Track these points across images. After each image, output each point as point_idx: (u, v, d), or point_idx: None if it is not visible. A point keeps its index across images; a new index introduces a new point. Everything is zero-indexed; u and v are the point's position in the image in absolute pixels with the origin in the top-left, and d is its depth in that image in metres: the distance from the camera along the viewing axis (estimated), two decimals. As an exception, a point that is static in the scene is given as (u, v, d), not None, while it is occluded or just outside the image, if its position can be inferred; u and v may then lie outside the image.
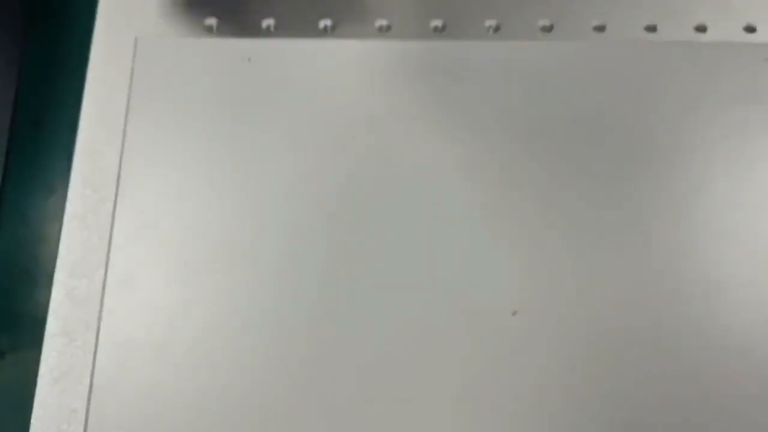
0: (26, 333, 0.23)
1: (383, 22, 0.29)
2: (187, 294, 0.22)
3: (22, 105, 0.27)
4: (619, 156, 0.26)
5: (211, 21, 0.28)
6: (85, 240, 0.23)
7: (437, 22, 0.29)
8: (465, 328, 0.22)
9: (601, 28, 0.29)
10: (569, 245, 0.24)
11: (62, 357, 0.21)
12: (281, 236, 0.23)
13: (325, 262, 0.23)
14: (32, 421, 0.20)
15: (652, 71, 0.28)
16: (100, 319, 0.21)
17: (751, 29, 0.29)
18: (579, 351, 0.22)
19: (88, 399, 0.20)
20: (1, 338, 0.23)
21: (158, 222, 0.22)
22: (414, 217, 0.24)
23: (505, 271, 0.23)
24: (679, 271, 0.23)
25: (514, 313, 0.22)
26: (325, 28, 0.28)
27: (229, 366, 0.21)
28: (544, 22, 0.29)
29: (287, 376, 0.21)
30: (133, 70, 0.25)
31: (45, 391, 0.20)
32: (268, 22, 0.28)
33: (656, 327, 0.23)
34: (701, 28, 0.29)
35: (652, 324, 0.23)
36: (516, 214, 0.24)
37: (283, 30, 0.28)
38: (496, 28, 0.29)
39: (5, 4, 0.29)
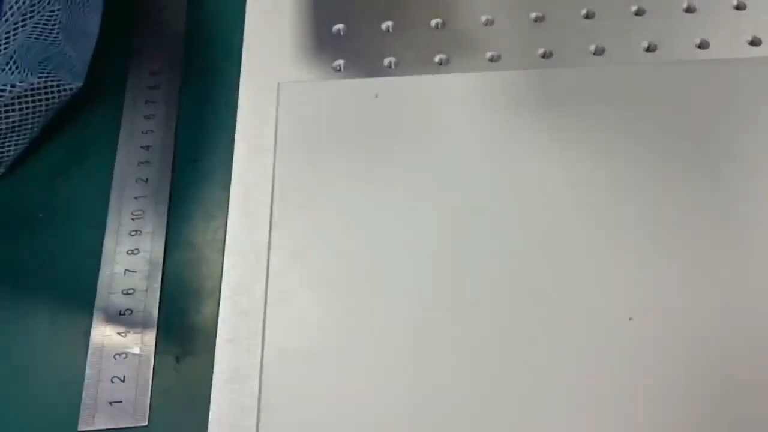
0: (196, 342, 0.27)
1: (493, 53, 0.31)
2: (333, 310, 0.25)
3: (182, 146, 0.31)
4: (723, 168, 0.27)
5: (339, 62, 0.31)
6: (243, 260, 0.26)
7: (543, 50, 0.31)
8: (586, 334, 0.24)
9: (704, 45, 0.31)
10: (680, 255, 0.25)
11: (232, 360, 0.24)
12: (414, 257, 0.26)
13: (454, 277, 0.25)
14: (210, 415, 0.24)
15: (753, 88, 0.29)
16: (264, 329, 0.24)
17: None
18: (693, 354, 0.24)
19: (258, 397, 0.23)
20: (176, 347, 0.27)
21: (308, 246, 0.26)
22: (535, 236, 0.26)
23: (621, 281, 0.25)
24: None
25: (630, 319, 0.24)
26: (441, 61, 0.31)
27: (370, 368, 0.24)
28: (644, 43, 0.31)
29: (425, 378, 0.23)
30: (278, 111, 0.28)
31: (219, 390, 0.24)
32: (389, 60, 0.31)
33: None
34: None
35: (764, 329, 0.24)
36: (629, 229, 0.26)
37: (403, 66, 0.31)
38: (600, 52, 0.31)
39: (168, 62, 0.33)
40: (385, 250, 0.26)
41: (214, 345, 0.25)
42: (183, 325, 0.27)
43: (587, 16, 0.32)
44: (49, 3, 0.29)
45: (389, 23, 0.32)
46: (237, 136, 0.29)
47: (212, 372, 0.25)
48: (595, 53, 0.31)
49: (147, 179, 0.31)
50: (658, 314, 0.24)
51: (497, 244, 0.26)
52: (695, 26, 0.31)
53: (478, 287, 0.25)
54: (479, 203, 0.27)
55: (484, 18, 0.32)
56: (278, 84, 0.29)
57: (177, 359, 0.27)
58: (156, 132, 0.32)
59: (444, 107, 0.29)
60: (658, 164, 0.27)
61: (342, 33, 0.32)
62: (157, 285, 0.28)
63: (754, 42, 0.31)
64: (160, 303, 0.28)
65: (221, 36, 0.34)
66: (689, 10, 0.32)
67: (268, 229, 0.26)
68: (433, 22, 0.32)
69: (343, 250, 0.26)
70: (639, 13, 0.32)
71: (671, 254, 0.25)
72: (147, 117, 0.32)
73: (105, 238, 0.29)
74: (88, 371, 0.26)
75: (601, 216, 0.26)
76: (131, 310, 0.28)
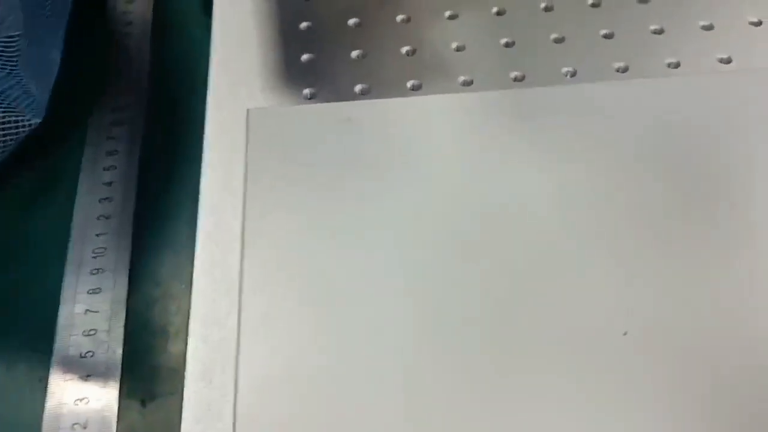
0: (164, 383, 0.25)
1: (465, 78, 0.31)
2: (310, 339, 0.23)
3: (146, 181, 0.30)
4: (706, 181, 0.27)
5: (309, 90, 0.30)
6: (214, 291, 0.25)
7: (516, 73, 0.31)
8: (582, 348, 0.23)
9: (675, 65, 0.31)
10: (675, 269, 0.24)
11: (203, 398, 0.23)
12: (392, 282, 0.24)
13: (437, 300, 0.24)
14: (180, 458, 0.22)
15: (725, 102, 0.29)
16: (237, 362, 0.23)
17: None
18: (688, 369, 0.23)
19: (232, 432, 0.21)
20: (142, 389, 0.25)
21: (282, 272, 0.24)
22: (520, 255, 0.25)
23: (615, 295, 0.24)
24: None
25: (624, 334, 0.23)
26: (413, 87, 0.30)
27: (351, 399, 0.22)
28: (618, 64, 0.31)
29: (409, 406, 0.22)
30: (247, 138, 0.27)
31: (189, 430, 0.22)
32: (360, 87, 0.30)
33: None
34: (774, 55, 0.30)
35: (762, 345, 0.23)
36: (617, 245, 0.25)
37: (375, 93, 0.30)
38: (572, 74, 0.31)
39: (132, 98, 0.32)
40: (361, 276, 0.25)
41: (183, 385, 0.24)
42: (149, 365, 0.26)
43: (557, 41, 0.32)
44: (7, 28, 0.28)
45: (359, 51, 0.32)
46: (205, 166, 0.28)
47: (181, 414, 0.23)
48: (567, 75, 0.31)
49: (109, 216, 0.29)
50: (652, 328, 0.23)
51: (479, 264, 0.25)
52: (665, 46, 0.31)
53: (462, 309, 0.24)
54: (458, 225, 0.26)
55: (454, 44, 0.32)
56: (247, 110, 0.28)
57: (143, 403, 0.25)
58: (119, 168, 0.31)
59: (419, 129, 0.28)
60: (638, 179, 0.27)
61: (311, 62, 0.31)
62: (121, 324, 0.26)
63: (723, 60, 0.31)
64: (124, 343, 0.26)
65: (186, 70, 0.34)
66: (658, 31, 0.32)
67: (239, 258, 0.25)
68: (404, 50, 0.32)
69: (319, 277, 0.24)
70: (608, 36, 0.32)
71: (662, 268, 0.24)
72: (109, 153, 0.31)
73: (65, 277, 0.28)
74: (46, 419, 0.24)
75: (587, 233, 0.25)
76: (93, 352, 0.26)
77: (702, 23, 0.32)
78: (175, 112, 0.32)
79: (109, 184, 0.30)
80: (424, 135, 0.28)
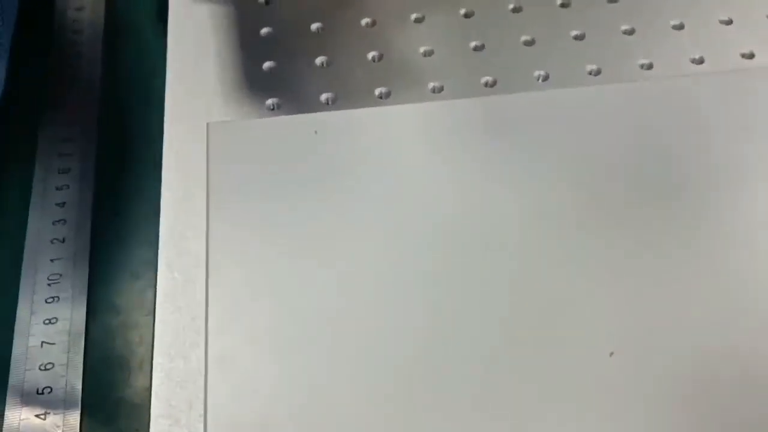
0: (127, 420, 0.24)
1: (435, 84, 0.30)
2: (283, 371, 0.22)
3: (102, 201, 0.28)
4: (686, 189, 0.26)
5: (273, 101, 0.29)
6: (177, 321, 0.23)
7: (487, 78, 0.30)
8: (565, 370, 0.22)
9: (648, 66, 0.30)
10: (661, 284, 0.24)
11: (170, 438, 0.21)
12: (366, 304, 0.23)
13: (413, 321, 0.23)
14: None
15: (701, 103, 0.28)
16: (205, 399, 0.21)
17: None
18: (677, 391, 0.22)
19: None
20: (104, 428, 0.24)
21: (250, 299, 0.23)
22: (498, 269, 0.24)
23: (599, 314, 0.23)
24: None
25: (611, 354, 0.22)
26: (381, 95, 0.29)
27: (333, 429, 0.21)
28: (591, 66, 0.30)
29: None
30: (208, 155, 0.26)
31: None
32: (326, 96, 0.29)
33: (760, 366, 0.22)
34: (748, 55, 0.30)
35: (753, 363, 0.23)
36: (601, 257, 0.24)
37: (341, 101, 0.29)
38: (545, 78, 0.30)
39: (83, 112, 0.31)
40: (336, 299, 0.24)
41: (148, 423, 0.22)
42: (111, 401, 0.24)
43: (527, 43, 0.31)
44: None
45: (323, 58, 0.30)
46: (164, 186, 0.26)
47: (147, 453, 0.22)
48: (539, 79, 0.30)
49: (64, 239, 0.28)
50: (639, 348, 0.22)
51: (455, 281, 0.24)
52: (637, 47, 0.31)
53: (440, 331, 0.23)
54: (432, 241, 0.25)
55: (422, 49, 0.31)
56: (207, 124, 0.27)
57: (105, 441, 0.23)
58: (72, 187, 0.29)
59: (388, 141, 0.27)
60: (617, 188, 0.26)
61: (273, 70, 0.30)
62: (80, 357, 0.25)
63: (695, 61, 0.30)
64: (83, 378, 0.25)
65: (140, 82, 0.32)
66: (629, 32, 0.31)
67: (204, 284, 0.24)
68: (370, 55, 0.30)
69: (290, 302, 0.23)
70: (579, 37, 0.31)
71: (654, 284, 0.24)
72: (61, 171, 0.29)
73: (18, 307, 0.26)
74: (0, 464, 0.23)
75: (565, 246, 0.24)
76: (51, 388, 0.24)
77: (673, 23, 0.32)
78: (130, 124, 0.31)
79: (62, 204, 0.29)
80: (393, 147, 0.27)
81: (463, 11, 0.32)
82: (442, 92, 0.29)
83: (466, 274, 0.24)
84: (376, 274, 0.24)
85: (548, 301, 0.23)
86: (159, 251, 0.25)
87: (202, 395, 0.22)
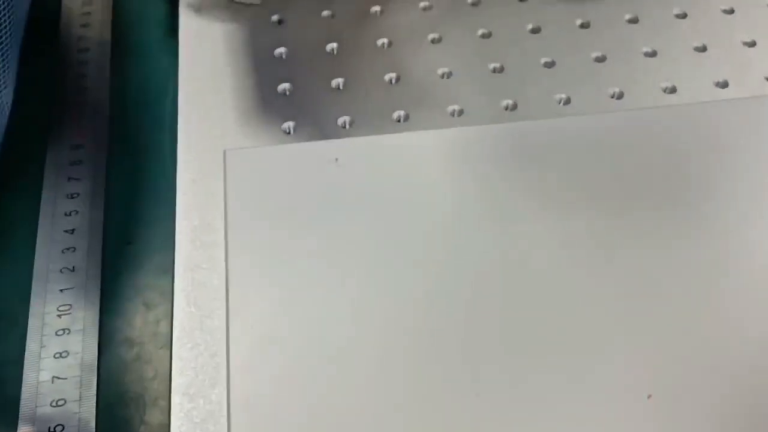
0: (143, 459, 0.23)
1: (455, 107, 0.29)
2: (310, 410, 0.21)
3: (113, 227, 0.27)
4: (707, 213, 0.26)
5: (288, 124, 0.28)
6: (196, 358, 0.23)
7: (508, 101, 0.29)
8: (601, 414, 0.21)
9: (671, 90, 0.29)
10: (699, 323, 0.23)
11: (191, 482, 0.20)
12: (396, 335, 0.23)
13: (434, 360, 0.22)
14: None
15: (726, 128, 0.28)
16: (228, 440, 0.21)
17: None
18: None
19: None
20: (118, 466, 0.23)
21: (273, 338, 0.22)
22: (524, 300, 0.23)
23: (637, 355, 0.22)
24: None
25: (649, 397, 0.21)
26: (399, 118, 0.29)
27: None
28: (613, 89, 0.29)
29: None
30: (225, 183, 0.25)
31: None
32: (344, 119, 0.28)
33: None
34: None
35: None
36: (637, 293, 0.23)
37: (359, 125, 0.28)
38: (566, 101, 0.29)
39: (92, 134, 0.30)
40: (356, 333, 0.23)
41: (166, 462, 0.22)
42: (126, 439, 0.23)
43: (547, 65, 0.30)
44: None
45: (340, 80, 0.30)
46: (179, 215, 0.25)
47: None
48: (560, 103, 0.29)
49: (74, 268, 0.27)
50: (677, 390, 0.21)
51: (481, 311, 0.23)
52: (659, 71, 0.30)
53: (462, 361, 0.22)
54: (456, 269, 0.24)
55: (440, 71, 0.30)
56: (224, 152, 0.26)
57: (121, 481, 0.23)
58: (81, 213, 0.28)
59: (409, 168, 0.26)
60: (643, 216, 0.25)
61: (289, 93, 0.29)
62: (93, 392, 0.24)
63: (719, 84, 0.30)
64: (97, 414, 0.24)
65: (150, 103, 0.31)
66: (651, 54, 0.31)
67: (224, 319, 0.23)
68: (387, 77, 0.30)
69: (316, 336, 0.22)
70: (600, 59, 0.31)
71: (692, 322, 0.23)
72: (70, 196, 0.29)
73: (27, 341, 0.25)
74: None
75: (596, 279, 0.24)
76: (63, 426, 0.23)
77: (695, 44, 0.31)
78: (141, 147, 0.30)
79: (72, 231, 0.28)
80: (414, 175, 0.26)
81: (480, 32, 0.31)
82: (462, 116, 0.29)
83: (491, 305, 0.23)
84: (399, 305, 0.23)
85: (574, 331, 0.23)
86: (174, 283, 0.24)
87: (224, 438, 0.21)
